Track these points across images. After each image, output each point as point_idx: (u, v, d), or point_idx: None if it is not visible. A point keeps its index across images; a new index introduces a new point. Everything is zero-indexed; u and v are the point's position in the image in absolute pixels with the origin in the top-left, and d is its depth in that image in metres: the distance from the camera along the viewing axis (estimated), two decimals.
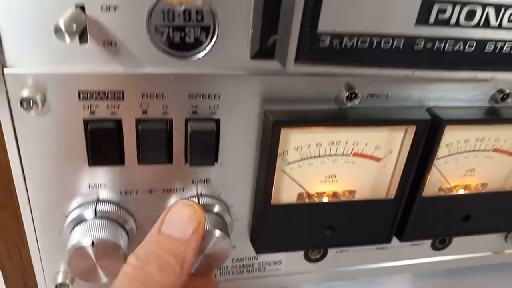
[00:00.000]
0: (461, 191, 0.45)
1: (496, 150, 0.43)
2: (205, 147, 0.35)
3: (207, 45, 0.31)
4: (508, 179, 0.46)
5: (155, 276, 0.28)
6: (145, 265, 0.28)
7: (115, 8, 0.29)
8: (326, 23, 0.25)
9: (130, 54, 0.31)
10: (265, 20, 0.31)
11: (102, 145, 0.33)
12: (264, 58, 0.33)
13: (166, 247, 0.29)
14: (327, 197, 0.41)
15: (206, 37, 0.31)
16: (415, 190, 0.41)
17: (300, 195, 0.40)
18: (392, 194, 0.41)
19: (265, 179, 0.37)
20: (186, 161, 0.36)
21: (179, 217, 0.31)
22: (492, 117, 0.39)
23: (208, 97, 0.33)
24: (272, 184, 0.37)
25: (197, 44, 0.31)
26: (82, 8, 0.28)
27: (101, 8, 0.29)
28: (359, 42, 0.26)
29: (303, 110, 0.35)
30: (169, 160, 0.35)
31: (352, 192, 0.42)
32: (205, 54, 0.32)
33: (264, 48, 0.32)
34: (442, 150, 0.41)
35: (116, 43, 0.30)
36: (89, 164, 0.34)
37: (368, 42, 0.26)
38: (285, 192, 0.40)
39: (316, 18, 0.25)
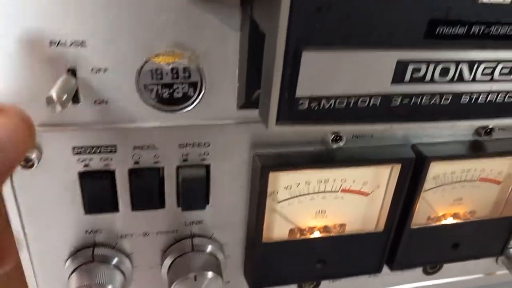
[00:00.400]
0: (450, 219, 0.46)
1: (482, 179, 0.45)
2: (196, 192, 0.36)
3: (195, 99, 0.33)
4: (496, 206, 0.47)
5: None
6: None
7: (104, 70, 0.30)
8: (304, 89, 0.26)
9: (121, 110, 0.32)
10: (249, 76, 0.32)
11: (97, 195, 0.35)
12: (250, 108, 0.34)
13: None
14: (318, 231, 0.42)
15: (194, 92, 0.32)
16: (403, 222, 0.43)
17: (291, 231, 0.42)
18: (381, 227, 0.43)
19: (256, 219, 0.38)
20: (178, 205, 0.37)
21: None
22: (476, 152, 0.40)
23: (198, 145, 0.35)
24: (263, 223, 0.38)
25: (186, 99, 0.32)
26: (74, 72, 0.30)
27: (92, 70, 0.30)
28: (337, 103, 0.27)
29: (290, 153, 0.36)
30: (162, 205, 0.37)
31: (342, 225, 0.43)
32: (194, 107, 0.33)
33: (250, 101, 0.33)
34: (429, 183, 0.42)
35: (107, 101, 0.31)
36: (85, 213, 0.35)
37: (345, 102, 0.28)
38: (277, 228, 0.41)
39: (294, 85, 0.26)
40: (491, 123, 0.31)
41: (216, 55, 0.31)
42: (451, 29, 0.27)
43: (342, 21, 0.25)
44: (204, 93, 0.32)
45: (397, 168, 0.39)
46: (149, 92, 0.32)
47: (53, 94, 0.27)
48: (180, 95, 0.32)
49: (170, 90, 0.32)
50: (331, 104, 0.28)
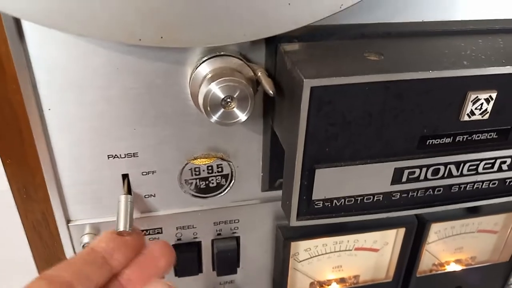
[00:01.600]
0: (453, 264, 0.51)
1: (480, 231, 0.50)
2: (228, 260, 0.42)
3: (226, 187, 0.39)
4: (494, 252, 0.52)
5: None
6: None
7: (153, 173, 0.37)
8: (318, 194, 0.32)
9: (166, 200, 0.38)
10: (271, 168, 0.38)
11: None
12: (273, 190, 0.40)
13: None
14: (335, 283, 0.48)
15: (226, 181, 0.39)
16: (410, 272, 0.48)
17: (311, 284, 0.48)
18: (390, 277, 0.48)
19: (280, 280, 0.44)
20: (213, 269, 0.43)
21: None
22: (470, 213, 0.45)
23: (230, 222, 0.41)
24: (287, 283, 0.44)
25: (219, 187, 0.39)
26: (126, 175, 0.36)
27: (142, 173, 0.36)
28: (346, 202, 0.33)
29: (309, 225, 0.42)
30: (200, 271, 0.43)
31: (356, 277, 0.49)
32: (225, 193, 0.39)
33: (272, 186, 0.39)
34: (431, 237, 0.48)
35: (155, 195, 0.38)
36: None
37: (353, 201, 0.33)
38: (298, 283, 0.47)
39: (310, 192, 0.32)
40: (477, 204, 0.37)
41: (244, 153, 0.38)
42: (439, 141, 0.32)
43: (347, 145, 0.31)
44: (234, 182, 0.39)
45: (402, 230, 0.45)
46: (189, 185, 0.38)
47: (121, 227, 0.33)
48: (214, 185, 0.38)
49: (206, 182, 0.38)
50: (341, 203, 0.33)
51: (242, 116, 0.30)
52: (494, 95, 0.31)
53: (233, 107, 0.30)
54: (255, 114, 0.36)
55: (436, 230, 0.48)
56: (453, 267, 0.51)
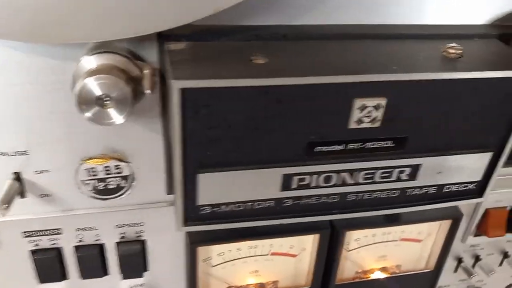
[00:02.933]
0: (378, 273, 0.51)
1: (404, 239, 0.49)
2: (133, 264, 0.41)
3: (127, 189, 0.38)
4: (419, 261, 0.52)
5: None
6: None
7: (46, 172, 0.35)
8: (204, 199, 0.31)
9: (63, 201, 0.37)
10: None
11: (47, 268, 0.40)
12: None
13: None
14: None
15: (126, 182, 0.37)
16: (328, 279, 0.47)
17: None
18: (309, 283, 0.48)
19: (191, 285, 0.43)
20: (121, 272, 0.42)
21: None
22: (390, 222, 0.45)
23: (134, 225, 0.40)
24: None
25: (119, 189, 0.38)
26: (18, 174, 0.35)
27: (35, 172, 0.35)
28: (235, 207, 0.32)
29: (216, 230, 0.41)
30: (105, 273, 0.42)
31: (275, 282, 0.48)
32: (127, 195, 0.38)
33: None
34: (351, 244, 0.47)
35: (50, 195, 0.37)
36: (39, 282, 0.41)
37: (243, 207, 0.33)
38: None
39: (195, 197, 0.31)
40: (374, 213, 0.36)
41: (144, 154, 0.36)
42: (328, 148, 0.32)
43: (231, 150, 0.30)
44: (135, 183, 0.37)
45: (317, 236, 0.44)
46: (86, 186, 0.37)
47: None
48: (114, 186, 0.37)
49: (104, 183, 0.37)
50: (230, 209, 0.33)
51: (117, 118, 0.29)
52: (383, 102, 0.30)
53: (110, 107, 0.29)
54: (153, 114, 0.35)
55: (356, 237, 0.47)
56: (378, 275, 0.51)
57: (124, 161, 0.36)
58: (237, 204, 0.32)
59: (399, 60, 0.30)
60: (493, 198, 0.48)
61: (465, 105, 0.32)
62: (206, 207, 0.32)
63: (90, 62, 0.30)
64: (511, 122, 0.34)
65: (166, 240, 0.42)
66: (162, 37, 0.30)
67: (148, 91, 0.28)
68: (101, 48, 0.30)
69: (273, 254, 0.46)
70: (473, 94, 0.32)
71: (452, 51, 0.31)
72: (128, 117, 0.30)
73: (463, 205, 0.47)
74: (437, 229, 0.49)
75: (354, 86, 0.29)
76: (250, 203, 0.33)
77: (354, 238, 0.47)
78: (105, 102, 0.29)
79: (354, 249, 0.48)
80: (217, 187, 0.31)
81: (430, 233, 0.50)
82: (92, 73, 0.29)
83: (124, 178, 0.37)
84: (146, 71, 0.31)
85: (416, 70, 0.29)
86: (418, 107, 0.31)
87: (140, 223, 0.40)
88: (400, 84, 0.29)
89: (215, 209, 0.32)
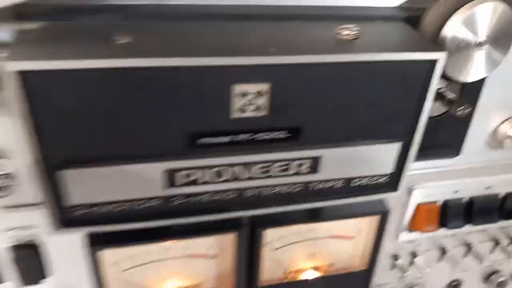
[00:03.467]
0: (310, 272, 0.48)
1: (333, 236, 0.47)
2: (31, 269, 0.38)
3: (13, 188, 0.34)
4: (352, 259, 0.49)
5: None
6: None
7: None
8: (73, 199, 0.28)
9: None
10: None
11: None
12: None
13: None
14: None
15: (12, 181, 0.34)
16: (251, 281, 0.45)
17: None
18: (233, 285, 0.45)
19: None
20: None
21: None
22: (308, 218, 0.42)
23: (25, 227, 0.37)
24: None
25: (4, 188, 0.34)
26: None
27: None
28: (112, 207, 0.29)
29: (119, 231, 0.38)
30: (0, 281, 0.38)
31: (196, 286, 0.45)
32: (14, 194, 0.35)
33: None
34: (276, 243, 0.45)
35: None
36: None
37: (122, 207, 0.30)
38: None
39: (60, 197, 0.28)
40: (280, 209, 0.33)
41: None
42: (214, 140, 0.29)
43: (94, 143, 0.27)
44: (19, 181, 0.34)
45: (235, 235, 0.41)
46: None
47: None
48: None
49: None
50: (108, 209, 0.30)
51: None
52: (266, 88, 0.27)
53: None
54: None
55: (280, 235, 0.44)
56: (309, 275, 0.48)
57: (4, 158, 0.33)
58: (116, 204, 0.29)
59: (284, 42, 0.28)
60: (424, 192, 0.46)
61: (363, 92, 0.30)
62: (79, 208, 0.29)
63: None
64: (417, 109, 0.32)
65: (66, 242, 0.38)
66: (18, 16, 0.27)
67: None
68: None
69: (190, 256, 0.43)
70: (370, 79, 0.29)
71: (345, 32, 0.29)
72: None
73: (392, 200, 0.45)
74: (367, 225, 0.47)
75: (231, 71, 0.26)
76: (129, 203, 0.30)
77: (277, 237, 0.44)
78: None
79: (280, 247, 0.45)
80: (87, 186, 0.28)
81: (361, 230, 0.47)
82: None
83: (7, 176, 0.34)
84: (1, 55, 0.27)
85: (297, 52, 0.27)
86: (310, 94, 0.29)
87: (31, 225, 0.37)
88: (283, 68, 0.27)
89: (91, 209, 0.29)
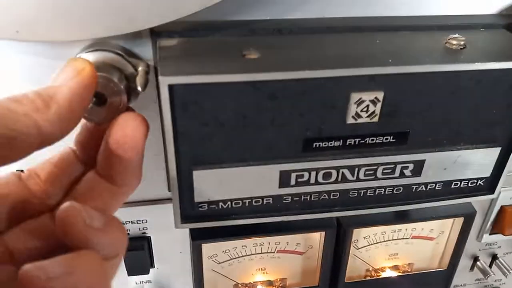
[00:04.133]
0: (389, 271, 0.50)
1: (415, 237, 0.48)
2: (138, 261, 0.41)
3: None
4: (432, 259, 0.50)
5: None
6: None
7: None
8: (201, 196, 0.31)
9: None
10: None
11: None
12: None
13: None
14: (261, 285, 0.47)
15: None
16: (336, 278, 0.47)
17: (235, 286, 0.47)
18: (317, 281, 0.47)
19: (197, 283, 0.43)
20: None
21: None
22: (395, 219, 0.44)
23: (137, 222, 0.40)
24: (202, 285, 0.43)
25: None
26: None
27: None
28: (233, 204, 0.32)
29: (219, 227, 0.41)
30: None
31: (283, 280, 0.47)
32: None
33: None
34: (361, 242, 0.46)
35: None
36: None
37: (241, 203, 0.32)
38: (220, 286, 0.46)
39: (192, 194, 0.31)
40: (381, 211, 0.35)
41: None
42: (327, 144, 0.31)
43: (225, 147, 0.29)
44: None
45: (323, 234, 0.43)
46: None
47: None
48: None
49: None
50: (228, 205, 0.32)
51: (114, 115, 0.29)
52: (380, 96, 0.29)
53: (104, 104, 0.29)
54: (151, 110, 0.34)
55: (365, 235, 0.46)
56: (389, 274, 0.50)
57: None
58: (235, 201, 0.32)
59: (398, 53, 0.29)
60: (509, 194, 0.46)
61: (469, 98, 0.31)
62: (203, 204, 0.32)
63: None
64: None
65: (171, 237, 0.42)
66: (156, 34, 0.30)
67: (139, 89, 0.28)
68: (94, 46, 0.30)
69: (279, 251, 0.45)
70: (477, 87, 0.30)
71: (454, 42, 0.30)
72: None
73: (477, 201, 0.45)
74: (450, 226, 0.48)
75: (349, 80, 0.28)
76: (248, 200, 0.32)
77: (363, 236, 0.46)
78: (100, 99, 0.29)
79: (364, 247, 0.47)
80: (213, 185, 0.31)
81: (443, 231, 0.48)
82: None
83: None
84: (140, 68, 0.31)
85: (413, 62, 0.28)
86: (419, 101, 0.30)
87: (143, 220, 0.40)
88: (398, 77, 0.28)
89: (212, 206, 0.32)
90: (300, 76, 0.27)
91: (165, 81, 0.26)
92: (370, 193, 0.34)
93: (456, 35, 0.31)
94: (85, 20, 0.27)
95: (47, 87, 0.25)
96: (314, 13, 0.32)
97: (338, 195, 0.34)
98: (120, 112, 0.29)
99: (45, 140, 0.24)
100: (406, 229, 0.47)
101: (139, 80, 0.29)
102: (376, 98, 0.29)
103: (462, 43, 0.30)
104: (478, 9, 0.35)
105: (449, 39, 0.30)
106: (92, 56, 0.30)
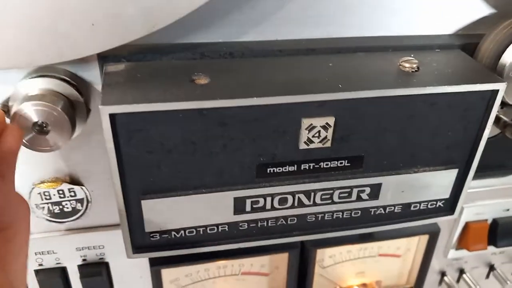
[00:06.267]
0: None
1: (382, 255, 0.48)
2: (97, 287, 0.40)
3: (84, 211, 0.37)
4: (400, 276, 0.50)
5: None
6: None
7: None
8: (152, 225, 0.30)
9: None
10: None
11: None
12: None
13: None
14: None
15: (82, 206, 0.36)
16: None
17: None
18: None
19: None
20: None
21: None
22: (359, 238, 0.43)
23: (94, 247, 0.39)
24: None
25: (75, 212, 0.37)
26: None
27: None
28: (187, 233, 0.31)
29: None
30: None
31: None
32: (84, 218, 0.37)
33: None
34: (326, 261, 0.46)
35: None
36: None
37: (195, 232, 0.31)
38: None
39: (142, 224, 0.30)
40: (340, 234, 0.34)
41: (98, 176, 0.35)
42: (281, 169, 0.30)
43: (175, 174, 0.29)
44: (90, 206, 0.36)
45: (286, 255, 0.43)
46: (41, 209, 0.36)
47: None
48: (69, 209, 0.36)
49: (60, 206, 0.36)
50: (181, 234, 0.31)
51: (56, 144, 0.28)
52: (331, 121, 0.29)
53: (48, 133, 0.28)
54: (102, 136, 0.33)
55: (330, 254, 0.45)
56: None
57: (77, 184, 0.35)
58: (189, 230, 0.31)
59: (349, 77, 0.29)
60: (473, 211, 0.46)
61: (423, 121, 0.30)
62: (155, 234, 0.31)
63: (27, 86, 0.29)
64: (474, 137, 0.32)
65: (130, 262, 0.40)
66: (103, 58, 0.29)
67: (83, 116, 0.27)
68: (39, 71, 0.29)
69: (244, 273, 0.44)
70: (431, 110, 0.30)
71: (407, 65, 0.30)
72: (68, 142, 0.29)
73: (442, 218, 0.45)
74: (416, 244, 0.47)
75: (300, 106, 0.28)
76: (202, 229, 0.31)
77: (328, 255, 0.46)
78: (43, 128, 0.28)
79: (330, 265, 0.47)
80: (164, 214, 0.30)
81: (409, 248, 0.48)
82: (28, 98, 0.28)
83: (80, 201, 0.36)
84: (85, 94, 0.30)
85: (363, 87, 0.28)
86: (372, 125, 0.30)
87: (100, 245, 0.39)
88: (349, 102, 0.28)
89: (165, 235, 0.31)
90: (249, 103, 0.26)
91: (106, 110, 0.25)
92: (328, 217, 0.33)
93: (409, 58, 0.30)
94: (27, 47, 0.26)
95: None
96: (267, 36, 0.32)
97: (295, 220, 0.33)
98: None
99: None
100: (373, 247, 0.46)
101: (81, 107, 0.28)
102: (327, 123, 0.28)
103: (414, 65, 0.30)
104: (434, 29, 0.35)
105: (402, 62, 0.30)
106: (36, 83, 0.29)
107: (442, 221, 0.45)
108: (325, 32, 0.33)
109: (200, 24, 0.31)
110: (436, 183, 0.34)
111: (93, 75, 0.31)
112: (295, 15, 0.32)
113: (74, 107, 0.30)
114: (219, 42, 0.31)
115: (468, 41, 0.34)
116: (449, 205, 0.36)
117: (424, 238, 0.46)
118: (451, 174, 0.34)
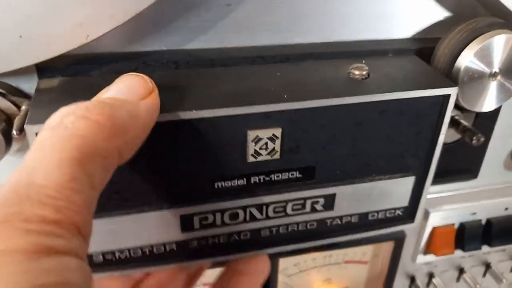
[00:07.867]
0: None
1: (348, 261, 0.47)
2: None
3: None
4: (368, 283, 0.49)
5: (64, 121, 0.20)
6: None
7: None
8: (93, 246, 0.29)
9: None
10: None
11: None
12: None
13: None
14: None
15: None
16: None
17: None
18: None
19: None
20: None
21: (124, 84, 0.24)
22: (323, 246, 0.42)
23: None
24: None
25: None
26: None
27: None
28: (132, 254, 0.30)
29: None
30: None
31: None
32: None
33: None
34: (290, 269, 0.45)
35: None
36: None
37: (141, 252, 0.30)
38: None
39: None
40: (296, 247, 0.33)
41: None
42: (230, 183, 0.29)
43: (111, 193, 0.27)
44: None
45: None
46: None
47: None
48: None
49: None
50: (126, 255, 0.30)
51: None
52: (278, 132, 0.27)
53: None
54: None
55: (294, 262, 0.44)
56: None
57: None
58: (133, 250, 0.30)
59: (296, 86, 0.28)
60: (440, 215, 0.46)
61: (375, 129, 0.29)
62: (97, 255, 0.29)
63: None
64: (430, 143, 0.31)
65: None
66: (40, 70, 0.28)
67: (14, 133, 0.26)
68: None
69: (205, 284, 0.43)
70: (381, 117, 0.29)
71: (357, 72, 0.29)
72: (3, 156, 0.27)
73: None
74: (383, 250, 0.47)
75: (244, 118, 0.26)
76: (148, 248, 0.30)
77: (292, 263, 0.44)
78: None
79: (294, 274, 0.45)
80: (105, 234, 0.28)
81: (376, 254, 0.47)
82: None
83: None
84: (23, 108, 0.28)
85: (309, 97, 0.27)
86: (321, 135, 0.29)
87: None
88: (295, 112, 0.27)
89: (108, 257, 0.29)
90: (190, 116, 0.25)
91: (32, 130, 0.23)
92: (282, 230, 0.32)
93: (360, 64, 0.29)
94: None
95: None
96: (214, 43, 0.31)
97: (248, 235, 0.32)
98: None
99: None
100: (338, 254, 0.46)
101: (16, 123, 0.27)
102: (274, 135, 0.27)
103: (364, 72, 0.29)
104: (389, 34, 0.34)
105: (351, 69, 0.29)
106: None
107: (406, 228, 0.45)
108: (275, 39, 0.31)
109: (142, 32, 0.29)
110: (393, 191, 0.33)
111: (33, 88, 0.29)
112: (243, 22, 0.30)
113: (10, 123, 0.28)
114: (162, 50, 0.30)
115: (424, 45, 0.33)
116: (409, 213, 0.35)
117: (390, 244, 0.45)
118: (408, 182, 0.33)
